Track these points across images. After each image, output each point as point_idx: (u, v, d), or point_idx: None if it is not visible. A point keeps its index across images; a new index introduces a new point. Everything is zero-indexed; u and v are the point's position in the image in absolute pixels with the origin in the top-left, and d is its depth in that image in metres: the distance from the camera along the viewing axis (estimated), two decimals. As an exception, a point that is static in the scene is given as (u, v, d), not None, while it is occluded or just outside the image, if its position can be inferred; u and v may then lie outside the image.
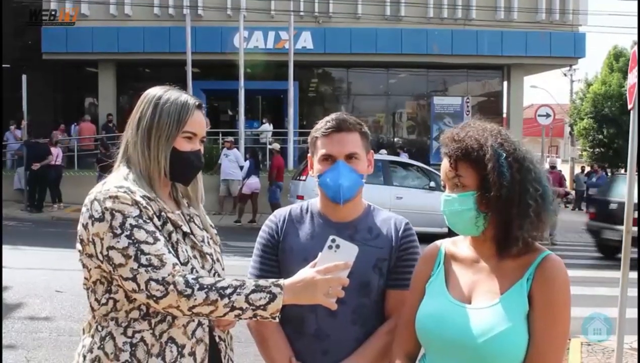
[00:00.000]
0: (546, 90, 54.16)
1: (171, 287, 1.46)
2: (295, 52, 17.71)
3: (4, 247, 5.55)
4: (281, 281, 1.50)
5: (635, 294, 5.27)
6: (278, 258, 1.92)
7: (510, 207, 1.50)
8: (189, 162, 1.66)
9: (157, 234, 1.52)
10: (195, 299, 1.45)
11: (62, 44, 18.80)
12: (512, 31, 19.89)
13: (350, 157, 1.86)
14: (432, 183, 12.14)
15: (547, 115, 18.91)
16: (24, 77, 15.76)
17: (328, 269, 1.48)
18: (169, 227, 1.59)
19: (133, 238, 1.49)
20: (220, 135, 16.75)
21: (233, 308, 1.47)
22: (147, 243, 1.50)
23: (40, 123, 18.75)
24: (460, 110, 19.58)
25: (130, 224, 1.50)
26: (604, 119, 25.74)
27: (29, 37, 20.16)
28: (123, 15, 19.46)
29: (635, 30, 5.10)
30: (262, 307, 1.47)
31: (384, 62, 20.56)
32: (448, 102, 20.50)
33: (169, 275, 1.47)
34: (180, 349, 1.56)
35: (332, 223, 1.91)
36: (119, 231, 1.50)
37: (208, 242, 1.72)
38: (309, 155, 1.97)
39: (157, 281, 1.46)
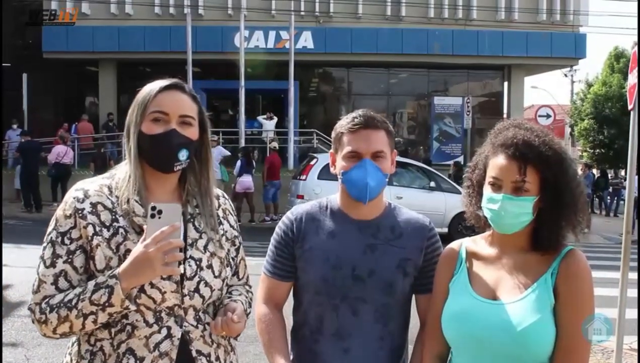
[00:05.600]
0: (547, 91, 54.13)
1: (32, 315, 1.49)
2: (296, 52, 17.72)
3: (4, 245, 5.56)
4: (116, 270, 1.44)
5: (635, 295, 5.28)
6: (295, 256, 1.86)
7: (564, 209, 1.57)
8: (157, 143, 1.54)
9: (59, 261, 1.49)
10: (51, 322, 1.45)
11: (62, 43, 18.82)
12: (512, 31, 19.90)
13: (376, 155, 1.79)
14: (432, 184, 12.16)
15: (548, 116, 18.94)
16: (24, 75, 15.77)
17: (156, 239, 1.39)
18: (118, 238, 1.50)
19: (43, 252, 1.51)
20: (221, 134, 16.75)
21: (85, 316, 1.43)
22: (44, 263, 1.50)
23: (41, 122, 18.78)
24: (460, 110, 19.56)
25: (51, 238, 1.51)
26: (605, 120, 25.70)
27: (30, 36, 20.20)
28: (124, 14, 19.49)
29: (636, 31, 5.10)
30: (107, 304, 1.42)
31: (385, 62, 20.58)
32: (449, 102, 20.49)
33: (32, 303, 1.49)
34: (138, 362, 1.48)
35: (353, 222, 1.85)
36: (45, 238, 1.53)
37: (203, 247, 1.59)
38: (331, 151, 1.90)
39: (29, 305, 1.50)
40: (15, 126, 17.52)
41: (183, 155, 1.56)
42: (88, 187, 1.57)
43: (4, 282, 5.81)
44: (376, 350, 1.81)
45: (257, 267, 2.00)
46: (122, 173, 1.58)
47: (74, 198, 1.53)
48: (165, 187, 1.61)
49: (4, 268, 5.12)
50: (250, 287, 1.82)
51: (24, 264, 7.78)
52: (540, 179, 1.55)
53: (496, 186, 1.58)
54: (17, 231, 11.05)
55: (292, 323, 1.94)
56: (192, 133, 1.59)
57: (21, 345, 5.03)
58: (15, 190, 15.31)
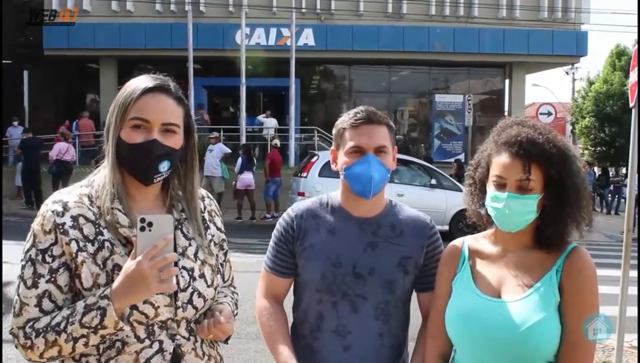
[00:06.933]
0: (548, 89, 53.97)
1: (16, 340, 1.39)
2: (297, 49, 17.71)
3: (4, 242, 5.55)
4: (108, 290, 1.34)
5: (635, 292, 5.28)
6: (295, 253, 1.86)
7: (568, 207, 1.57)
8: (136, 154, 1.41)
9: (41, 280, 1.38)
10: (38, 347, 1.35)
11: (63, 40, 18.80)
12: (514, 29, 19.87)
13: (379, 150, 1.79)
14: (433, 181, 12.16)
15: (549, 114, 18.95)
16: (25, 73, 15.76)
17: (148, 254, 1.30)
18: (105, 252, 1.40)
19: (22, 271, 1.41)
20: (222, 131, 16.77)
21: (75, 340, 1.34)
22: (25, 284, 1.39)
23: (42, 119, 18.78)
24: (462, 108, 19.56)
25: (30, 256, 1.40)
26: (606, 118, 25.65)
27: (31, 33, 20.19)
28: (125, 11, 19.48)
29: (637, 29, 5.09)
30: (99, 327, 1.33)
31: (386, 59, 20.55)
32: (450, 100, 20.47)
33: (15, 327, 1.39)
34: None
35: (354, 219, 1.85)
36: (22, 257, 1.42)
37: (193, 255, 1.51)
38: (332, 148, 1.90)
39: (10, 329, 1.40)
40: (16, 123, 17.53)
41: (164, 166, 1.45)
42: (67, 198, 1.44)
43: (5, 279, 5.80)
44: (376, 348, 1.81)
45: (258, 265, 2.00)
46: (101, 179, 1.47)
47: (53, 211, 1.41)
48: (147, 193, 1.51)
49: (4, 266, 5.11)
50: (234, 288, 1.76)
51: (25, 261, 7.78)
52: (544, 176, 1.55)
53: (500, 185, 1.58)
54: (18, 228, 11.05)
55: (292, 320, 1.94)
56: (176, 141, 1.47)
57: (22, 342, 5.03)
58: (17, 187, 15.34)
